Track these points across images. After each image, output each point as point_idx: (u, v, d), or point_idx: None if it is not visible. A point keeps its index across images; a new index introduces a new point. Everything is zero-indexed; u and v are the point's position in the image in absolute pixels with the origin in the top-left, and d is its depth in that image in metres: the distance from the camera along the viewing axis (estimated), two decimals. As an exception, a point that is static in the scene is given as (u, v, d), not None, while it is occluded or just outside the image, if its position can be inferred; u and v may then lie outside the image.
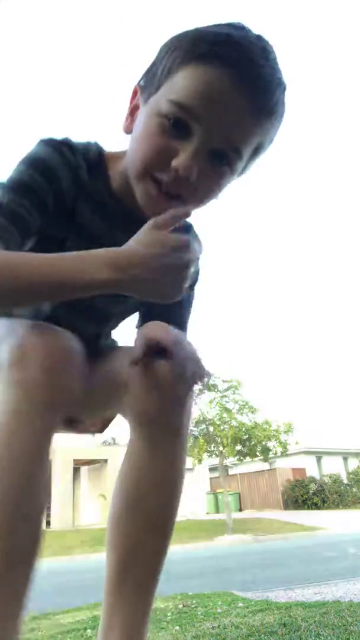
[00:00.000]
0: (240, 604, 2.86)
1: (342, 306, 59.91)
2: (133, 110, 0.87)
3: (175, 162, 0.77)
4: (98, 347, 1.04)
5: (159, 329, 0.84)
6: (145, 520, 0.84)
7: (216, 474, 22.53)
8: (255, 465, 23.92)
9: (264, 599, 3.15)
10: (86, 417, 1.11)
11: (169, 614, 2.72)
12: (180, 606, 3.00)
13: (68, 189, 0.85)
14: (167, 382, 0.81)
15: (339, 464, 26.18)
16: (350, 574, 4.70)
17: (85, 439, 22.88)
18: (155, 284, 0.72)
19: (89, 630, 2.44)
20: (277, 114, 0.80)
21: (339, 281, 56.57)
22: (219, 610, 2.73)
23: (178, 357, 0.80)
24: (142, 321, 1.02)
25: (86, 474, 22.59)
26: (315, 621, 2.00)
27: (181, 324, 0.99)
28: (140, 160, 0.81)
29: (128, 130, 0.87)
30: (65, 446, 20.06)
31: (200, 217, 0.90)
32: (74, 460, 20.14)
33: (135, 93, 0.87)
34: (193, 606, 2.98)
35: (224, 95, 0.74)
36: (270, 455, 20.87)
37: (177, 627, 2.28)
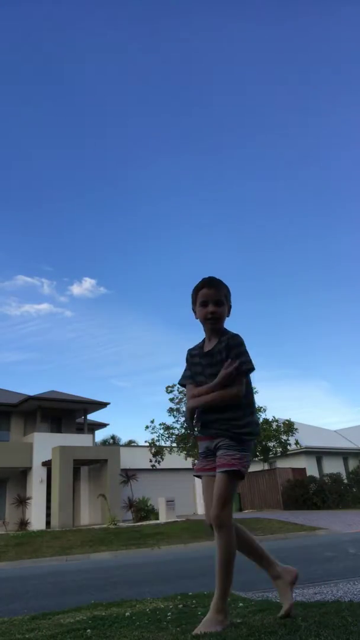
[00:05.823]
0: (240, 604, 2.85)
1: (343, 303, 59.89)
2: (196, 311, 2.47)
3: (209, 310, 2.38)
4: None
5: None
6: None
7: (216, 474, 22.46)
8: (255, 465, 23.95)
9: (264, 599, 3.14)
10: None
11: (169, 614, 2.71)
12: (180, 606, 3.00)
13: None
14: None
15: (339, 464, 26.19)
16: (350, 574, 4.70)
17: (85, 439, 22.90)
18: None
19: (89, 630, 2.42)
20: (218, 286, 2.40)
21: (338, 273, 56.59)
22: (219, 610, 2.72)
23: None
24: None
25: (86, 474, 22.59)
26: (315, 621, 1.99)
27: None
28: (201, 320, 2.44)
29: (197, 317, 2.46)
30: (66, 446, 20.07)
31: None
32: (74, 460, 20.13)
33: (193, 309, 2.47)
34: (193, 606, 2.97)
35: (201, 290, 2.41)
36: (270, 455, 20.85)
37: (177, 627, 2.27)
